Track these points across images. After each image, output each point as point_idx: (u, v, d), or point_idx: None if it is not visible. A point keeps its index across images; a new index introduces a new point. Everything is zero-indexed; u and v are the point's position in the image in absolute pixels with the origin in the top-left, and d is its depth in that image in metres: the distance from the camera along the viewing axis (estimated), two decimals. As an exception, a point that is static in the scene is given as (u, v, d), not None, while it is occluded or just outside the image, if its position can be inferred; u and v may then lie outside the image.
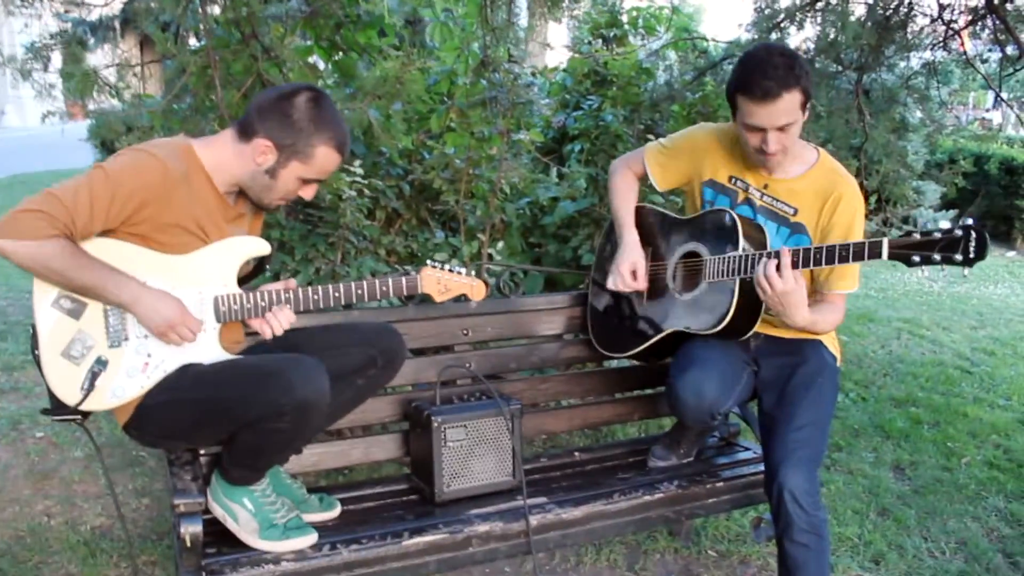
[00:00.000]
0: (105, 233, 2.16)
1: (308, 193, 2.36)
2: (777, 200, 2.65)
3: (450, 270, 2.55)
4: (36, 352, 2.16)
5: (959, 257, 2.20)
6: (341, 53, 4.34)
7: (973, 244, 2.18)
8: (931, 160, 11.39)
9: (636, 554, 3.26)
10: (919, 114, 6.99)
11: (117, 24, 9.17)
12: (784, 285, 2.37)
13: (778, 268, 2.37)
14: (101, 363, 2.17)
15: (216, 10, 3.92)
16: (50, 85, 4.15)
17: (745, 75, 2.47)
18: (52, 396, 2.19)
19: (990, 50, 6.30)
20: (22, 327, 5.54)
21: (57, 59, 4.14)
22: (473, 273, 2.61)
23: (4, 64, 4.03)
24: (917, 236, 2.24)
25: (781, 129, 2.48)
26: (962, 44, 6.05)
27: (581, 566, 3.17)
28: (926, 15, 5.67)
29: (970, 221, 2.21)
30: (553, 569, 3.15)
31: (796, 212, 2.63)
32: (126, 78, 3.96)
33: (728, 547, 3.33)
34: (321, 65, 4.39)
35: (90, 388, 2.15)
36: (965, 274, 2.28)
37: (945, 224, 2.22)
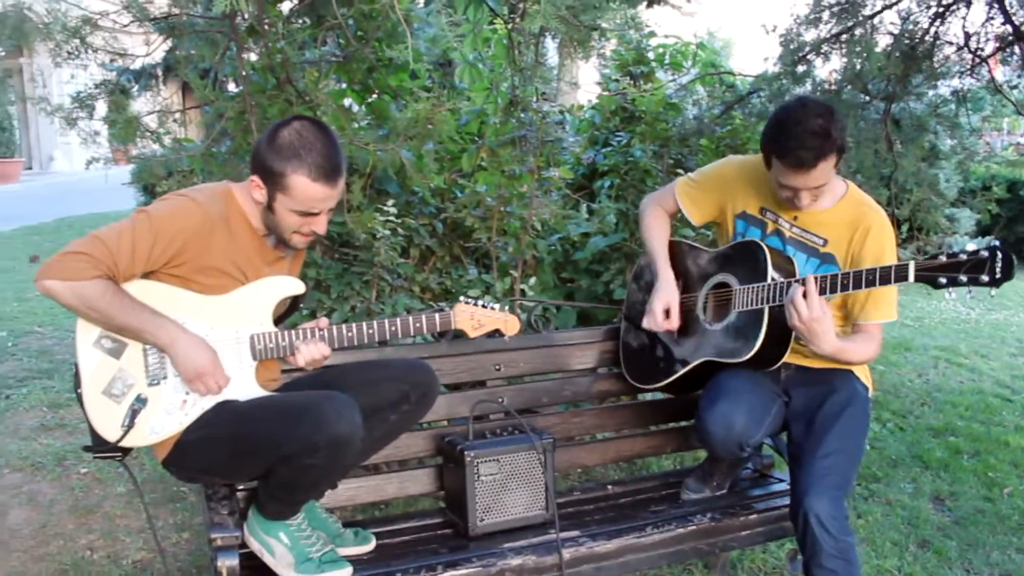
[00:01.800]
0: (147, 275, 2.24)
1: (318, 226, 2.34)
2: (807, 231, 2.68)
3: (483, 305, 2.59)
4: (79, 391, 2.24)
5: (985, 278, 2.23)
6: (374, 96, 4.44)
7: (999, 264, 2.21)
8: (964, 187, 11.30)
9: (671, 588, 3.27)
10: (950, 142, 6.98)
11: (159, 72, 9.42)
12: (811, 312, 2.39)
13: (805, 296, 2.40)
14: (141, 401, 2.24)
15: (252, 57, 4.04)
16: (95, 132, 4.29)
17: (781, 139, 2.50)
18: (94, 433, 2.26)
19: (1020, 76, 6.28)
20: (67, 365, 5.66)
21: (102, 107, 4.28)
22: (507, 308, 2.66)
23: (52, 113, 4.18)
24: (943, 258, 2.27)
25: (814, 189, 2.53)
26: (991, 71, 6.04)
27: (616, 600, 3.18)
28: (952, 43, 5.68)
29: (996, 242, 2.24)
30: (588, 603, 3.15)
31: (825, 243, 2.66)
32: (167, 124, 4.08)
33: (765, 580, 3.33)
34: (355, 108, 4.49)
35: (130, 425, 2.22)
36: (992, 294, 2.30)
37: (972, 246, 2.25)
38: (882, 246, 2.60)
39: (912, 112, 5.76)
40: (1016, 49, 5.57)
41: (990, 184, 9.28)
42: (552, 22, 2.88)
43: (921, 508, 3.99)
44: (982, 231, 11.87)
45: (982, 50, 5.71)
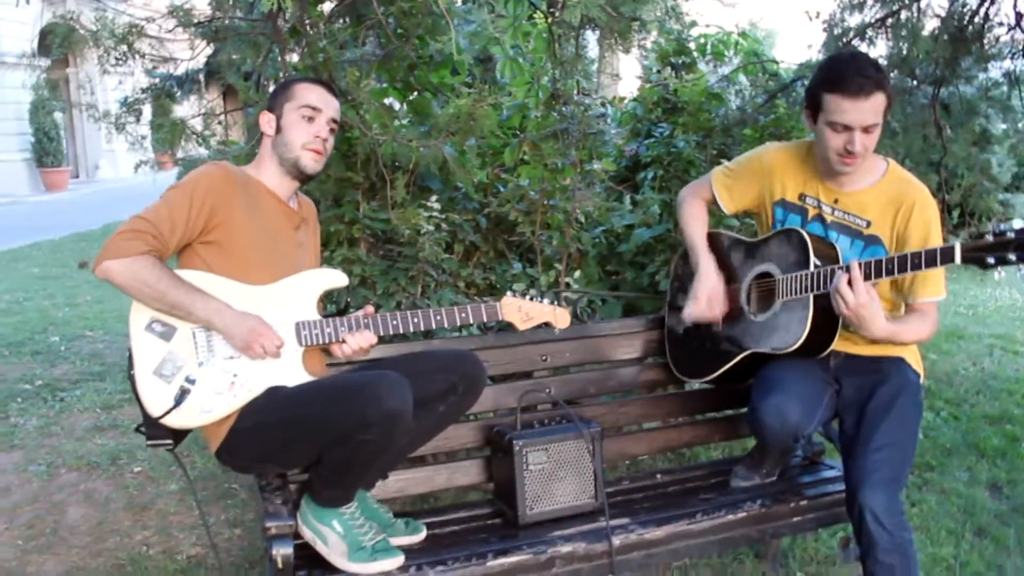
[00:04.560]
0: (192, 260, 2.35)
1: (320, 128, 2.50)
2: (848, 214, 2.65)
3: (531, 298, 2.61)
4: (131, 372, 2.30)
5: None
6: (415, 93, 4.47)
7: None
8: (1020, 172, 11.09)
9: (723, 578, 3.24)
10: (1002, 126, 6.84)
11: (201, 77, 9.61)
12: (857, 299, 2.36)
13: (850, 283, 2.37)
14: (190, 381, 2.30)
15: (294, 58, 4.08)
16: (142, 137, 4.38)
17: (837, 72, 2.48)
18: (145, 413, 2.32)
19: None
20: (119, 368, 5.78)
21: (147, 113, 4.37)
22: (553, 301, 2.66)
23: (100, 119, 4.27)
24: (990, 238, 2.22)
25: (867, 130, 2.48)
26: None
27: (667, 591, 3.17)
28: (1003, 24, 5.56)
29: None
30: (639, 594, 3.15)
31: (869, 224, 2.62)
32: (212, 126, 4.15)
33: (817, 569, 3.29)
34: (396, 106, 4.53)
35: (179, 403, 2.28)
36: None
37: (1019, 223, 2.20)
38: (928, 223, 2.56)
39: (962, 96, 5.66)
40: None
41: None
42: (594, 11, 2.87)
43: (977, 496, 3.92)
44: (1037, 217, 11.63)
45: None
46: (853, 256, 2.60)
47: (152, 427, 2.31)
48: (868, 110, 2.45)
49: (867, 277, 2.38)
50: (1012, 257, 2.19)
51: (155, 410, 2.29)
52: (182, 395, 2.28)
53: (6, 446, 4.49)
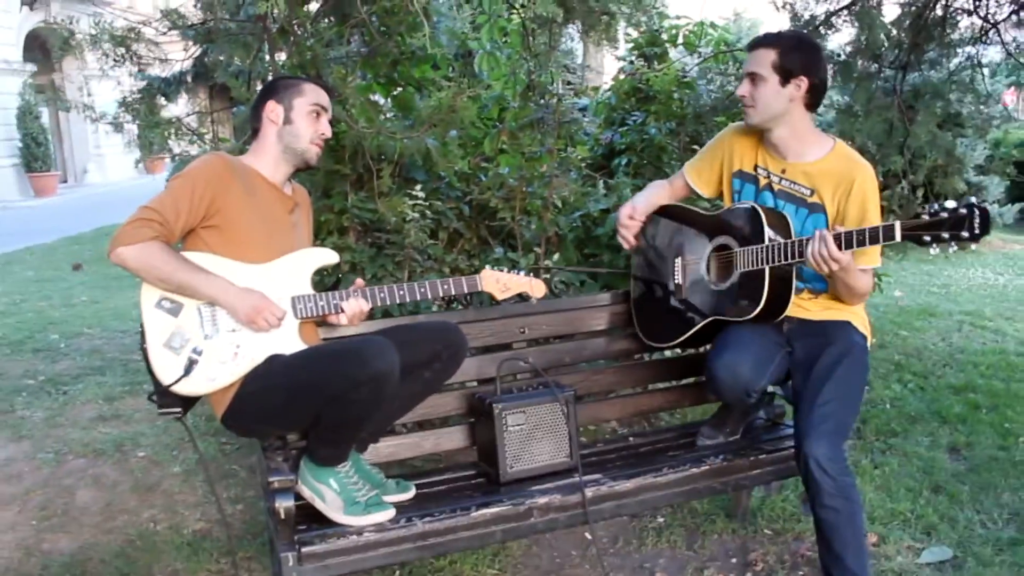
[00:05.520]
0: (196, 243, 2.57)
1: (325, 128, 2.75)
2: (794, 183, 2.89)
3: (509, 271, 2.85)
4: (144, 346, 2.53)
5: (965, 234, 2.40)
6: (399, 88, 4.68)
7: (977, 221, 2.38)
8: (994, 155, 11.31)
9: (695, 535, 3.45)
10: (969, 108, 7.05)
11: (188, 78, 9.84)
12: (841, 260, 2.59)
13: (829, 252, 2.58)
14: (197, 352, 2.52)
15: (282, 56, 4.28)
16: (136, 137, 4.57)
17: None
18: (156, 382, 2.54)
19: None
20: (119, 362, 5.97)
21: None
22: (532, 274, 2.89)
23: (97, 120, 4.46)
24: (926, 217, 2.45)
25: (752, 80, 2.83)
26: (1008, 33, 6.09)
27: (643, 547, 3.38)
28: (964, 10, 5.77)
29: (972, 199, 2.43)
30: (617, 552, 3.37)
31: (812, 193, 2.86)
32: (205, 124, 4.35)
33: (783, 525, 3.50)
34: (381, 101, 4.73)
35: (188, 372, 2.50)
36: (973, 248, 2.49)
37: (951, 204, 2.43)
38: (865, 197, 2.79)
39: (928, 80, 5.88)
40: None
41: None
42: (552, 9, 3.08)
43: (937, 458, 4.13)
44: (1013, 198, 11.88)
45: (995, 15, 5.80)
46: (797, 223, 2.85)
47: (163, 395, 2.54)
48: (750, 60, 2.86)
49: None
50: (945, 235, 2.43)
51: (166, 379, 2.51)
52: (190, 365, 2.50)
53: (15, 437, 4.66)
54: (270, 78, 3.63)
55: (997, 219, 10.46)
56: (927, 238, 2.45)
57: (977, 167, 10.24)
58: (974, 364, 5.72)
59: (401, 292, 2.68)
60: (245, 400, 2.54)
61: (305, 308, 2.64)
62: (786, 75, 2.79)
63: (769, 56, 2.80)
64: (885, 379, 5.40)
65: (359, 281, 2.73)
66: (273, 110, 2.70)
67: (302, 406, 2.51)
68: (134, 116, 4.27)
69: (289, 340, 2.60)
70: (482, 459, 2.99)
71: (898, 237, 2.49)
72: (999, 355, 5.95)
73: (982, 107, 6.74)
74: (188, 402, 2.61)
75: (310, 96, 2.72)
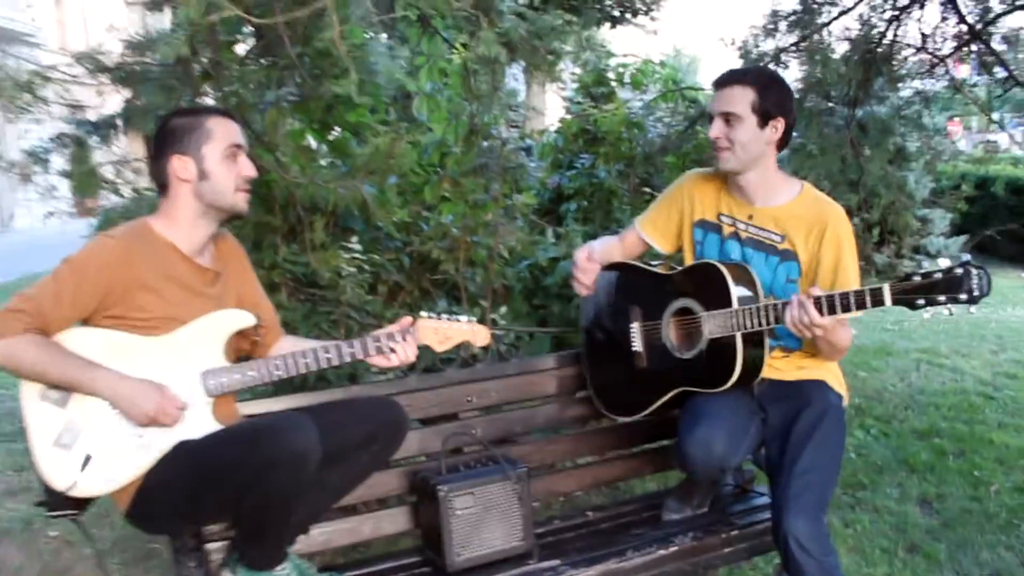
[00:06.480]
0: (87, 322, 2.22)
1: (248, 168, 2.38)
2: (763, 229, 2.67)
3: (447, 318, 2.53)
4: (28, 446, 2.18)
5: (963, 296, 2.19)
6: (334, 131, 4.41)
7: (975, 282, 2.18)
8: (937, 188, 11.38)
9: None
10: (917, 143, 7.02)
11: (119, 122, 9.42)
12: (824, 327, 2.36)
13: (809, 318, 2.35)
14: (92, 447, 2.18)
15: (209, 102, 4.00)
16: (52, 187, 4.24)
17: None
18: (47, 487, 2.20)
19: (979, 75, 6.33)
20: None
21: (60, 160, 4.22)
22: (473, 320, 2.59)
23: (7, 170, 4.13)
24: (918, 279, 2.23)
25: (726, 120, 2.60)
26: (957, 68, 6.08)
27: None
28: (911, 46, 5.72)
29: (966, 257, 2.21)
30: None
31: (783, 239, 2.64)
32: (123, 174, 4.04)
33: (755, 598, 3.28)
34: (315, 145, 4.46)
35: (83, 470, 2.16)
36: (972, 311, 2.27)
37: (944, 262, 2.22)
38: (840, 242, 2.59)
39: (876, 116, 5.80)
40: (974, 48, 5.62)
41: (960, 183, 9.37)
42: (495, 49, 2.87)
43: (908, 512, 3.95)
44: (956, 230, 11.94)
45: (940, 50, 5.76)
46: (767, 272, 2.64)
47: (55, 496, 2.20)
48: (722, 98, 2.61)
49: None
50: (942, 299, 2.21)
51: (60, 483, 2.17)
52: (85, 462, 2.17)
53: (-91, 514, 4.29)
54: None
55: (943, 251, 10.47)
56: (920, 301, 2.23)
57: (923, 201, 10.27)
58: (936, 406, 5.60)
59: (328, 355, 2.37)
60: (149, 495, 2.22)
61: (219, 385, 2.29)
62: (765, 116, 2.58)
63: (747, 95, 2.57)
64: (848, 425, 5.20)
65: (406, 319, 2.48)
66: (182, 167, 2.31)
67: (214, 495, 2.20)
68: (44, 167, 3.94)
69: (201, 422, 2.27)
70: (427, 545, 2.69)
71: (888, 302, 2.27)
72: (960, 395, 5.84)
73: (930, 141, 6.71)
74: (86, 500, 2.27)
75: (219, 137, 2.33)
